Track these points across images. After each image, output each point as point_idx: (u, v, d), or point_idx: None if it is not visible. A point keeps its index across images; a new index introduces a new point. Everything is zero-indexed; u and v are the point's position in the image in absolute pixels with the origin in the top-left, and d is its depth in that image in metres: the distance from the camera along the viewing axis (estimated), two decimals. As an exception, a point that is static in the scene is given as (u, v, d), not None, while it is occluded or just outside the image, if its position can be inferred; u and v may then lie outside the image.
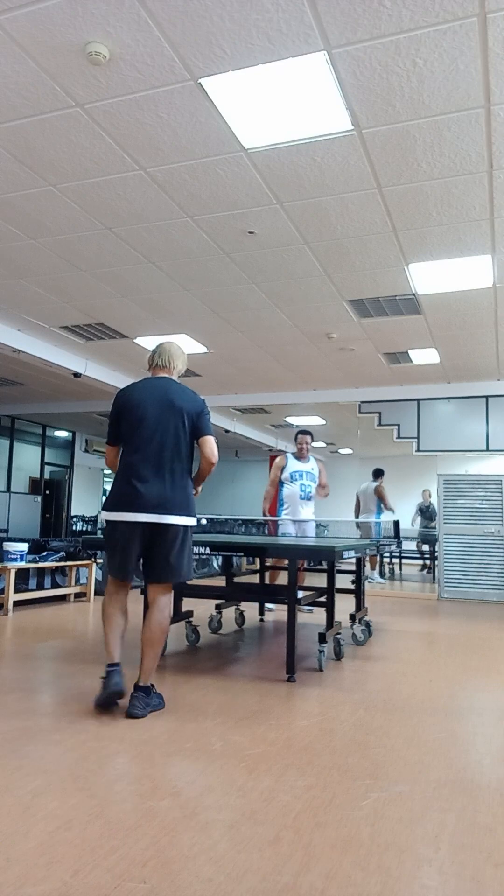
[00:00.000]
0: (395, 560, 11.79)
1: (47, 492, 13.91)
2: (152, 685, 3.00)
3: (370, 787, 2.18)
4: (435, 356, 7.45)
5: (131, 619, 5.74)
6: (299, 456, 6.46)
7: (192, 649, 4.50)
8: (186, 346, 7.31)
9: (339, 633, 4.34)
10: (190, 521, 3.06)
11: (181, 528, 3.02)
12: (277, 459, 6.54)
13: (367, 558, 10.41)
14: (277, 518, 6.49)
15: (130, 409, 3.09)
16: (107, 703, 2.95)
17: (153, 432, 3.04)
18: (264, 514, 6.59)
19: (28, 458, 13.59)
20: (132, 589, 7.55)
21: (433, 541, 11.27)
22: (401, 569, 11.69)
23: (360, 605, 5.21)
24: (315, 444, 15.59)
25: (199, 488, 3.32)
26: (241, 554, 3.80)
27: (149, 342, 7.20)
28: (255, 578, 9.10)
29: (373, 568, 10.14)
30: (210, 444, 3.12)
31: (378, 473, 9.82)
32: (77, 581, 7.07)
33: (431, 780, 2.26)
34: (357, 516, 9.74)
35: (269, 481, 6.53)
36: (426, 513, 11.58)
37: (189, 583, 4.96)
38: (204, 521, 10.93)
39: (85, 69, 2.92)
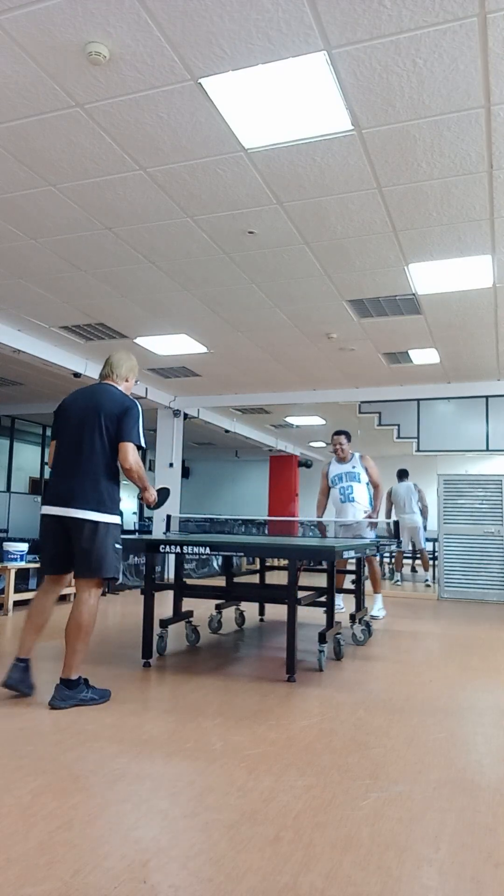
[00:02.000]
0: (408, 561, 11.79)
1: (78, 473, 13.87)
2: (83, 679, 3.06)
3: (370, 787, 2.18)
4: (435, 356, 7.45)
5: (128, 619, 5.73)
6: (338, 458, 6.20)
7: (192, 649, 4.50)
8: (186, 346, 7.31)
9: (339, 633, 4.34)
10: (102, 518, 3.08)
11: (94, 523, 3.06)
12: (323, 467, 6.34)
13: (394, 558, 10.38)
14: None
15: (63, 410, 3.28)
16: (9, 688, 3.10)
17: (74, 433, 3.18)
18: (322, 511, 6.43)
19: (28, 458, 13.59)
20: (132, 589, 7.47)
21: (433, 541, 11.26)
22: (412, 570, 11.67)
23: (360, 605, 5.21)
24: (315, 444, 15.59)
25: (150, 492, 3.38)
26: (241, 554, 3.80)
27: (149, 342, 7.20)
28: (255, 578, 9.10)
29: (398, 569, 10.09)
30: (123, 451, 3.14)
31: (407, 473, 9.77)
32: (77, 581, 7.06)
33: (431, 780, 2.26)
34: (388, 516, 9.54)
35: (320, 491, 6.34)
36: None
37: (189, 583, 4.96)
38: (184, 525, 10.92)
39: (85, 69, 2.92)
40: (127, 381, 3.41)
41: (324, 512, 6.39)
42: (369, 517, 6.06)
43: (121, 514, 3.20)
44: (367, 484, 6.13)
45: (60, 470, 3.18)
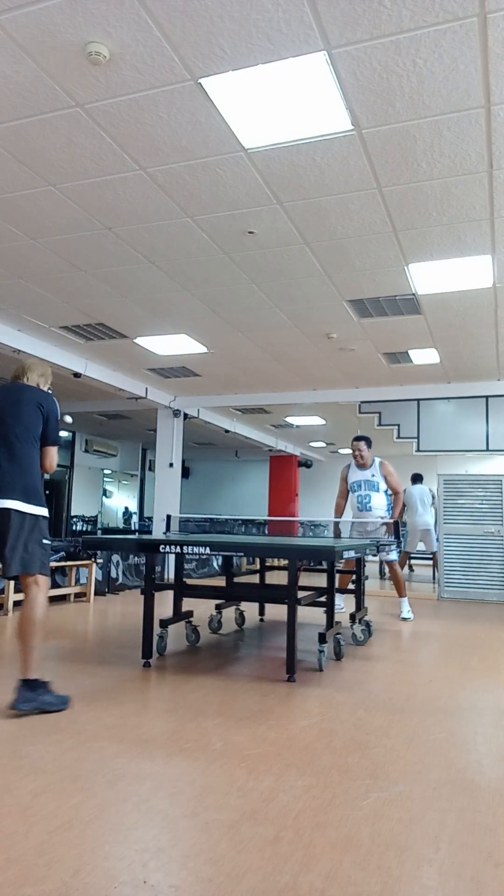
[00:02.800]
0: (415, 561, 11.79)
1: (47, 492, 13.84)
2: (41, 681, 2.96)
3: (370, 787, 2.18)
4: (435, 356, 7.45)
5: (128, 619, 5.73)
6: (358, 464, 6.13)
7: (192, 649, 4.50)
8: (186, 346, 7.30)
9: (339, 633, 4.34)
10: (36, 510, 3.04)
11: (30, 515, 3.02)
12: (342, 469, 6.30)
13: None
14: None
15: None
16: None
17: (8, 427, 3.18)
18: (339, 513, 6.37)
19: (28, 458, 13.56)
20: (132, 589, 7.48)
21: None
22: (409, 569, 11.68)
23: (360, 605, 5.21)
24: (315, 444, 15.60)
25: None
26: (241, 554, 3.80)
27: (149, 342, 7.20)
28: (255, 578, 9.10)
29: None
30: (50, 455, 3.19)
31: (421, 478, 9.75)
32: (77, 581, 7.06)
33: (431, 780, 2.26)
34: (400, 517, 9.55)
35: (339, 493, 6.30)
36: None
37: (189, 583, 4.96)
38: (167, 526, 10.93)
39: (85, 69, 2.92)
40: (38, 386, 3.37)
41: (342, 515, 6.37)
42: (398, 525, 6.07)
43: (47, 506, 3.13)
44: (386, 491, 6.09)
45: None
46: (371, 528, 6.11)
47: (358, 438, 6.11)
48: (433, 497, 9.59)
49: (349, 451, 16.42)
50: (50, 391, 3.42)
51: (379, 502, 6.06)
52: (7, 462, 3.07)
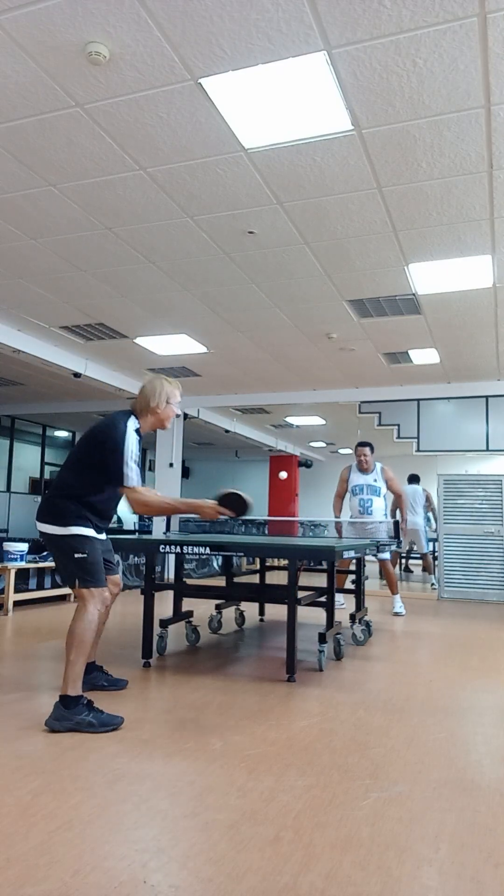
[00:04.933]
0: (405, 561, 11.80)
1: (47, 492, 13.90)
2: (85, 700, 2.76)
3: (370, 787, 2.18)
4: (435, 356, 7.45)
5: (128, 619, 5.73)
6: (360, 468, 6.30)
7: (192, 649, 4.50)
8: (186, 346, 7.31)
9: (339, 633, 4.34)
10: (50, 529, 2.96)
11: (49, 535, 2.99)
12: (342, 471, 6.43)
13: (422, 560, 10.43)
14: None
15: None
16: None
17: (68, 456, 3.18)
18: (339, 511, 6.46)
19: (28, 458, 13.59)
20: (132, 589, 7.49)
21: (433, 541, 11.26)
22: (401, 569, 11.69)
23: (360, 605, 5.21)
24: (315, 444, 15.59)
25: (203, 507, 3.09)
26: (241, 554, 3.80)
27: (149, 342, 7.20)
28: (255, 578, 9.09)
29: (430, 572, 10.02)
30: (127, 498, 3.00)
31: (418, 479, 9.78)
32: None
33: (431, 780, 2.26)
34: (393, 515, 9.61)
35: (337, 494, 6.43)
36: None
37: (189, 582, 4.96)
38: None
39: (85, 69, 2.92)
40: (151, 414, 3.13)
41: (340, 513, 6.48)
42: (398, 525, 6.15)
43: (83, 524, 2.97)
44: (385, 495, 6.28)
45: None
46: (370, 528, 6.19)
47: (363, 444, 6.28)
48: (426, 498, 9.61)
49: (349, 451, 16.47)
50: (176, 403, 3.19)
51: (379, 506, 6.26)
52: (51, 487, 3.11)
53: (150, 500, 2.99)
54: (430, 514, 9.70)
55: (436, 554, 10.11)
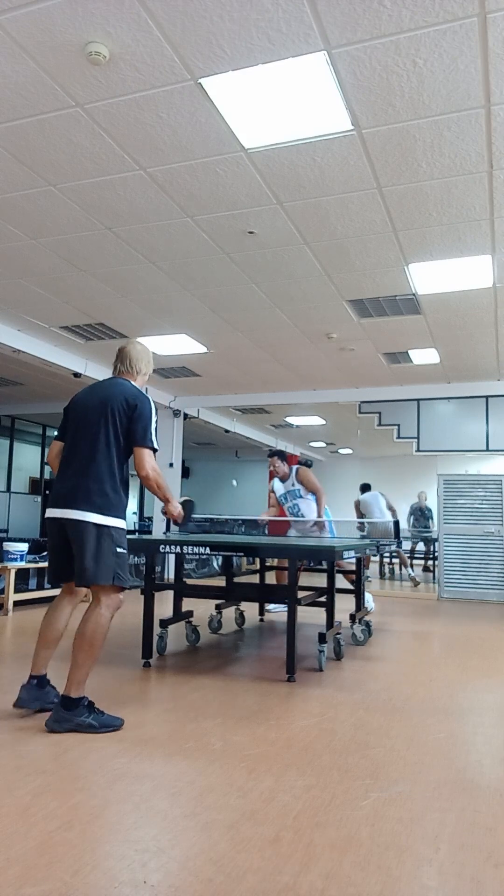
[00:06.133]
0: (396, 560, 11.81)
1: (47, 492, 13.90)
2: (87, 701, 2.72)
3: (370, 787, 2.18)
4: (435, 356, 7.45)
5: (128, 619, 5.73)
6: (279, 478, 6.25)
7: (192, 649, 4.50)
8: (186, 346, 7.30)
9: (339, 633, 4.34)
10: (101, 520, 2.80)
11: (91, 525, 2.79)
12: (269, 484, 6.45)
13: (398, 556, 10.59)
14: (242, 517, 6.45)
15: (71, 407, 3.06)
16: (20, 708, 2.91)
17: (80, 431, 2.93)
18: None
19: (28, 458, 13.59)
20: (132, 589, 7.53)
21: (431, 541, 11.32)
22: (401, 569, 11.69)
23: (360, 605, 5.21)
24: (315, 444, 15.59)
25: (174, 505, 3.12)
26: (241, 554, 3.80)
27: (149, 342, 7.20)
28: (255, 578, 9.09)
29: (405, 566, 10.24)
30: (139, 457, 2.89)
31: (370, 486, 9.96)
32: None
33: (431, 780, 2.26)
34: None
35: (269, 504, 6.43)
36: (421, 514, 11.66)
37: (189, 582, 4.96)
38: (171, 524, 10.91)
39: (85, 69, 2.92)
40: (144, 374, 3.16)
41: (264, 517, 6.49)
42: (398, 525, 6.18)
43: (124, 517, 2.91)
44: (311, 495, 6.22)
45: (63, 469, 2.93)
46: (307, 529, 6.19)
47: (271, 454, 6.28)
48: (386, 500, 9.73)
49: (349, 451, 16.48)
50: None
51: (306, 507, 6.15)
52: (80, 470, 2.88)
53: (158, 472, 2.94)
54: (393, 514, 9.85)
55: (435, 553, 10.15)
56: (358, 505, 9.95)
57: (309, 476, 6.21)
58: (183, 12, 2.59)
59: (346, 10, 2.55)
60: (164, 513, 3.16)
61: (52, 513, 2.89)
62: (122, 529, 2.87)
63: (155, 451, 2.94)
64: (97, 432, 2.89)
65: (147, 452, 2.89)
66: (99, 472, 2.84)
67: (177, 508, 3.16)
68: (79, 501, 2.81)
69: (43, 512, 13.66)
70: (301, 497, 6.18)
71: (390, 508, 9.80)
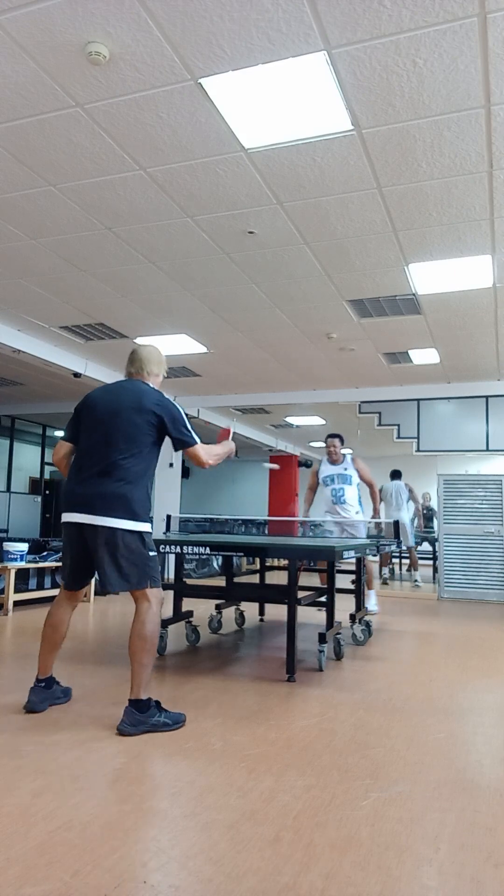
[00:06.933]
0: (395, 560, 11.81)
1: (47, 492, 13.91)
2: (154, 701, 2.75)
3: (370, 787, 2.18)
4: (435, 356, 7.45)
5: (128, 619, 5.73)
6: (331, 460, 6.40)
7: (192, 649, 4.50)
8: (186, 346, 7.31)
9: (339, 633, 4.34)
10: (134, 526, 2.79)
11: (125, 532, 2.77)
12: (314, 465, 6.56)
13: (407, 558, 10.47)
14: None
15: (87, 407, 2.98)
16: (32, 712, 2.91)
17: (103, 434, 2.87)
18: (303, 516, 6.50)
19: (28, 458, 13.59)
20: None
21: (434, 542, 11.29)
22: (401, 569, 11.69)
23: (360, 605, 5.21)
24: (315, 444, 15.59)
25: (230, 447, 3.23)
26: (241, 554, 3.80)
27: (149, 342, 7.19)
28: (255, 578, 9.09)
29: (415, 569, 10.09)
30: (196, 457, 2.96)
31: (400, 474, 9.82)
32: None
33: (431, 780, 2.26)
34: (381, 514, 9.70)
35: (309, 486, 6.53)
36: (426, 515, 11.63)
37: (189, 583, 4.96)
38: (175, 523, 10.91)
39: (85, 69, 2.92)
40: (157, 376, 3.13)
41: (309, 507, 6.53)
42: (372, 517, 6.20)
43: (150, 521, 2.90)
44: (359, 485, 6.36)
45: (79, 472, 2.87)
46: (348, 525, 6.22)
47: (332, 436, 6.39)
48: (410, 492, 9.64)
49: (349, 451, 16.44)
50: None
51: (352, 495, 6.34)
52: (106, 474, 2.85)
53: (210, 449, 3.02)
54: (416, 508, 9.75)
55: (435, 553, 10.12)
56: (379, 493, 9.86)
57: (365, 467, 6.37)
58: (183, 12, 2.59)
59: (346, 10, 2.55)
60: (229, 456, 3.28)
61: (72, 517, 2.84)
62: (150, 533, 2.90)
63: (197, 442, 2.99)
64: (121, 435, 2.84)
65: (198, 448, 2.96)
66: (127, 477, 2.82)
67: (231, 447, 3.26)
68: (108, 508, 2.78)
69: (43, 512, 13.66)
70: (349, 483, 6.31)
71: (414, 500, 9.64)
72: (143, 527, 2.83)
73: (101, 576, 2.84)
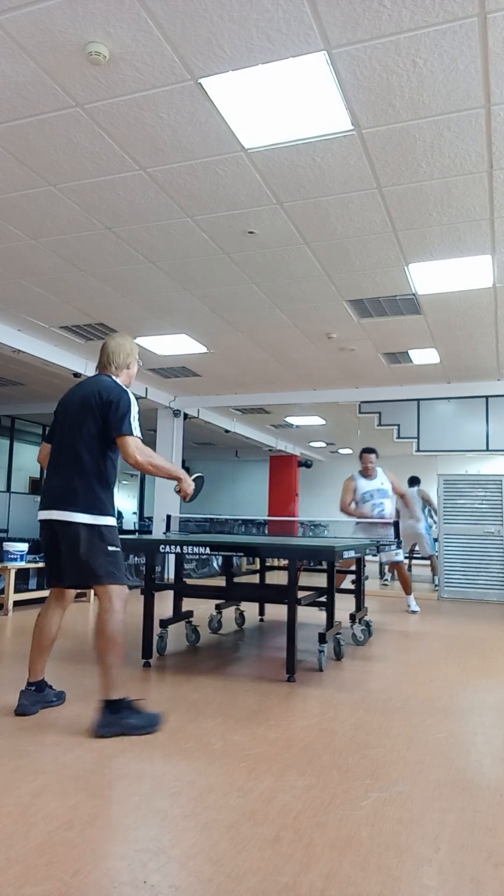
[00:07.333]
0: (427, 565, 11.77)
1: (59, 475, 13.85)
2: (126, 701, 2.69)
3: (370, 787, 2.18)
4: (435, 356, 7.45)
5: (128, 619, 5.73)
6: (365, 474, 6.39)
7: (192, 649, 4.50)
8: (186, 346, 7.30)
9: (339, 633, 4.34)
10: (89, 519, 2.76)
11: (80, 525, 2.75)
12: (347, 482, 6.45)
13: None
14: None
15: (59, 408, 3.00)
16: (22, 716, 2.89)
17: (64, 430, 2.89)
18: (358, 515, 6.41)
19: (28, 458, 13.58)
20: (132, 589, 7.52)
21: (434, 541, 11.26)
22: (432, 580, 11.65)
23: (360, 605, 5.21)
24: (315, 444, 15.59)
25: (186, 481, 3.03)
26: (241, 554, 3.80)
27: (149, 342, 7.20)
28: (256, 578, 9.09)
29: (391, 569, 9.97)
30: (122, 446, 2.79)
31: (417, 480, 9.75)
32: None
33: (431, 780, 2.26)
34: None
35: (343, 504, 6.39)
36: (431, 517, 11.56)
37: (189, 583, 4.96)
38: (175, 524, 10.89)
39: (85, 69, 2.92)
40: (128, 368, 3.05)
41: (356, 510, 6.43)
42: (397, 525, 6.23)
43: (113, 514, 2.88)
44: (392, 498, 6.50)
45: (50, 471, 2.92)
46: (380, 531, 6.25)
47: (369, 451, 6.38)
48: (423, 499, 9.54)
49: (349, 451, 16.43)
50: (140, 365, 3.10)
51: (390, 509, 6.44)
52: (65, 470, 2.85)
53: (150, 451, 2.84)
54: (432, 512, 9.66)
55: (436, 554, 10.10)
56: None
57: (395, 478, 6.48)
58: (183, 12, 2.59)
59: (346, 10, 2.55)
60: (178, 491, 3.08)
61: (41, 515, 2.88)
62: (113, 527, 2.84)
63: (140, 438, 2.85)
64: (78, 431, 2.85)
65: (129, 439, 2.78)
66: (84, 471, 2.81)
67: (191, 486, 3.06)
68: (66, 502, 2.79)
69: (43, 512, 13.64)
70: (388, 497, 6.39)
71: (430, 506, 9.42)
72: (101, 520, 2.79)
73: (62, 569, 2.84)
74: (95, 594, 2.81)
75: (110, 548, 2.79)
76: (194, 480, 3.15)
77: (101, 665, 2.70)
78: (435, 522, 9.80)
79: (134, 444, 2.79)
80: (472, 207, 4.07)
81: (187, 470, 3.41)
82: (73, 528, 2.77)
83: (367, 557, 5.40)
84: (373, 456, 6.35)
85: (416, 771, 2.33)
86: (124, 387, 2.94)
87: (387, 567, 10.29)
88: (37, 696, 2.95)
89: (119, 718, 2.63)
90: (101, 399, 2.83)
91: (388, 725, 2.85)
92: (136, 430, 2.82)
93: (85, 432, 2.83)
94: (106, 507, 2.83)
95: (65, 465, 2.85)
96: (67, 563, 2.81)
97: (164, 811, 1.96)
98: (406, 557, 11.49)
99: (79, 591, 2.81)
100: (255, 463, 17.93)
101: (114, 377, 2.99)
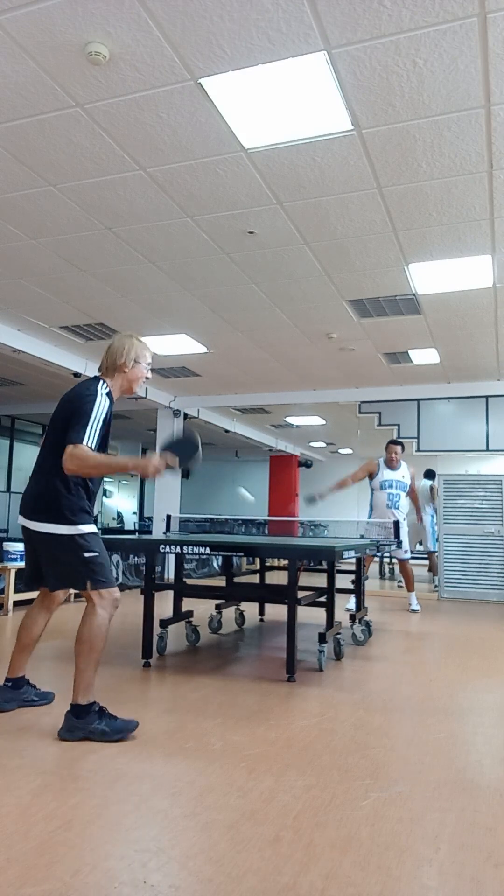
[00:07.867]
0: (395, 560, 11.79)
1: (33, 483, 13.87)
2: (97, 707, 2.63)
3: (370, 787, 2.18)
4: (435, 356, 7.45)
5: (128, 619, 5.73)
6: (390, 465, 6.57)
7: (192, 649, 4.50)
8: (186, 346, 7.30)
9: (339, 633, 4.34)
10: (59, 529, 2.69)
11: (51, 535, 2.70)
12: (368, 462, 6.65)
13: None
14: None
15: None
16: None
17: (47, 436, 2.83)
18: (338, 487, 6.44)
19: (28, 458, 13.58)
20: (132, 589, 7.47)
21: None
22: (431, 578, 11.66)
23: (360, 605, 5.21)
24: (315, 444, 15.60)
25: (141, 464, 2.74)
26: (241, 554, 3.80)
27: (149, 342, 7.15)
28: (256, 578, 9.08)
29: (436, 572, 9.91)
30: (64, 456, 2.62)
31: (432, 474, 9.70)
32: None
33: (431, 780, 2.26)
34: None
35: (352, 475, 6.54)
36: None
37: (189, 582, 4.96)
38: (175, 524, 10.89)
39: (85, 69, 2.92)
40: (123, 370, 2.89)
41: (337, 490, 6.46)
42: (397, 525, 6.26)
43: (88, 520, 2.75)
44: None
45: (31, 475, 2.88)
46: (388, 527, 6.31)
47: (396, 442, 6.64)
48: (430, 489, 9.54)
49: (349, 451, 16.44)
50: (149, 364, 2.94)
51: (405, 503, 6.66)
52: (36, 478, 2.83)
53: (87, 454, 2.62)
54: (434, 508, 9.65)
55: (436, 552, 10.09)
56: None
57: (415, 473, 6.75)
58: (183, 12, 2.59)
59: (346, 10, 2.55)
60: (144, 476, 2.84)
61: (19, 520, 2.87)
62: (89, 534, 2.72)
63: (90, 447, 2.66)
64: (52, 437, 2.78)
65: (68, 448, 2.61)
66: (52, 480, 2.73)
67: (150, 463, 2.74)
68: (38, 512, 2.74)
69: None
70: (405, 490, 6.61)
71: (434, 500, 9.35)
72: (74, 529, 2.69)
73: (44, 574, 2.84)
74: (84, 597, 2.77)
75: (86, 555, 2.69)
76: (172, 446, 2.84)
77: (76, 668, 2.66)
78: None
79: (69, 453, 2.61)
80: (472, 207, 4.07)
81: (186, 470, 3.33)
82: (45, 538, 2.73)
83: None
84: (399, 448, 6.57)
85: (416, 771, 2.33)
86: (98, 392, 2.77)
87: (398, 568, 10.28)
88: (12, 694, 2.95)
89: (84, 723, 2.58)
90: (70, 406, 2.75)
91: (388, 725, 2.85)
92: (87, 438, 2.64)
93: (57, 439, 2.73)
94: (78, 515, 2.73)
95: (39, 470, 2.82)
96: (47, 570, 2.81)
97: (164, 811, 1.96)
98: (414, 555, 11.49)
99: (76, 590, 2.78)
100: (255, 463, 17.93)
101: (103, 379, 2.87)
